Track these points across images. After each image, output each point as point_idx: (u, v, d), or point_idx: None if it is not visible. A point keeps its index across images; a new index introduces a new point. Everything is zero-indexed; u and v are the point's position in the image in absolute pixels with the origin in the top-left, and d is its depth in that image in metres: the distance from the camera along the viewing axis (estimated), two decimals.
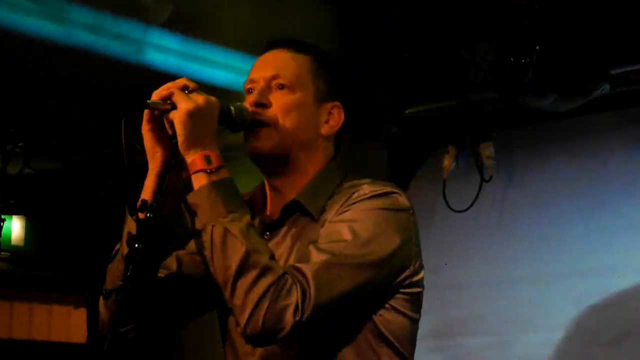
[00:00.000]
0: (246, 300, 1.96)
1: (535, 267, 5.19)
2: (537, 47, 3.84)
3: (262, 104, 2.22)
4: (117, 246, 2.18)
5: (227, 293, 1.99)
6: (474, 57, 4.64)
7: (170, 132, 2.08)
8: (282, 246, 2.20)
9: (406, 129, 4.90)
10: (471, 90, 4.63)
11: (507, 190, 5.36)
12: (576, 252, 5.05)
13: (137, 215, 1.98)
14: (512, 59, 4.06)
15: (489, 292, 5.34)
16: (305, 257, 2.06)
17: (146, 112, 2.11)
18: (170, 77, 2.16)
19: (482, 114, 4.91)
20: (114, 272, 2.16)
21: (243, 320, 1.97)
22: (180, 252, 2.32)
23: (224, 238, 1.99)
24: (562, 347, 5.02)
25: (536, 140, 5.32)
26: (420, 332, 2.26)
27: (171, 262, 2.28)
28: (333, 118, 2.28)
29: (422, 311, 2.27)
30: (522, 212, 5.33)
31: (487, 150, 5.04)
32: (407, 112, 4.49)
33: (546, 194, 5.26)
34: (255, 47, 2.45)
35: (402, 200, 2.18)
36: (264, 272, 1.97)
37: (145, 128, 2.13)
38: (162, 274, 2.22)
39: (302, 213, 2.22)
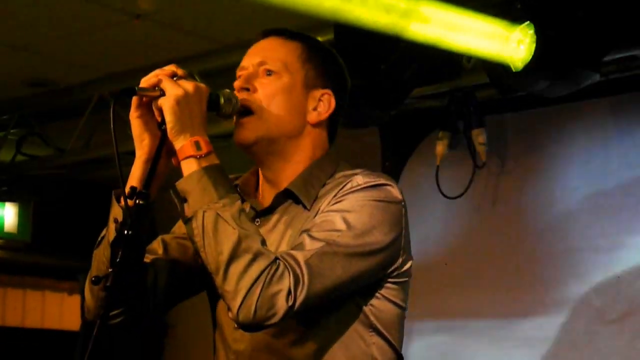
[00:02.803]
0: (238, 286, 1.96)
1: (534, 248, 5.21)
2: (530, 32, 3.83)
3: (247, 89, 2.22)
4: (103, 232, 2.18)
5: (218, 279, 1.99)
6: None
7: (159, 118, 2.08)
8: (273, 233, 2.20)
9: (399, 115, 4.89)
10: (463, 76, 4.62)
11: (500, 176, 5.37)
12: (576, 233, 5.08)
13: (126, 201, 1.97)
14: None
15: (491, 271, 5.36)
16: (297, 245, 2.06)
17: (134, 98, 2.11)
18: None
19: (475, 100, 4.90)
20: (100, 258, 2.16)
21: (235, 306, 1.97)
22: (165, 236, 2.32)
23: (215, 224, 1.99)
24: (566, 326, 5.04)
25: (529, 125, 5.33)
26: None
27: (156, 246, 2.27)
28: (322, 105, 2.27)
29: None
30: (516, 197, 5.34)
31: (480, 137, 5.04)
32: (399, 97, 4.47)
33: (539, 179, 5.27)
34: None
35: (395, 192, 2.18)
36: (256, 257, 1.97)
37: (133, 115, 2.13)
38: (147, 258, 2.21)
39: (295, 201, 2.21)
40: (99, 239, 2.19)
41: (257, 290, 1.95)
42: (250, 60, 2.26)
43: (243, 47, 2.32)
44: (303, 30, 2.34)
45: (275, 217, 2.23)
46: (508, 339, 5.24)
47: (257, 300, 1.95)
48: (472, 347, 5.37)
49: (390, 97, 4.50)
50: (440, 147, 5.19)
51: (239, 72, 2.27)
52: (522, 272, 5.23)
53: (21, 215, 7.50)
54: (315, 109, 2.26)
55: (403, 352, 2.25)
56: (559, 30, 3.88)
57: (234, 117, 2.21)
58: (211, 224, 1.99)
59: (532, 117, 5.30)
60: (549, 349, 5.09)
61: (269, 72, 2.23)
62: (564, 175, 5.18)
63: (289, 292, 1.97)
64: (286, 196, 2.22)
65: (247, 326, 2.02)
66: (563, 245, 5.11)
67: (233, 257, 1.97)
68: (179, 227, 2.32)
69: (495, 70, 4.02)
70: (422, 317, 5.19)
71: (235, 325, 2.12)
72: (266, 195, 2.27)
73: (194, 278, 2.27)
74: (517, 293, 5.25)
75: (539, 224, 5.23)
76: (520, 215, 5.31)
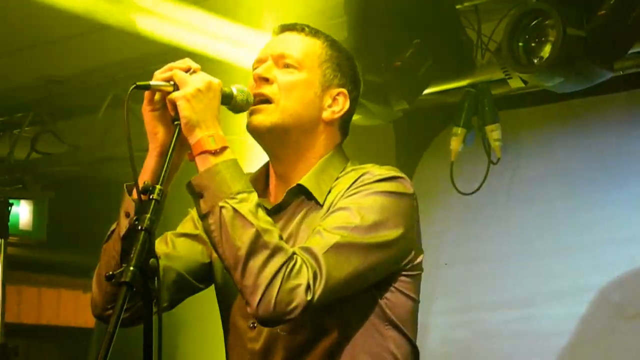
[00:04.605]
0: (258, 281, 1.96)
1: (549, 243, 5.19)
2: (547, 23, 3.82)
3: (266, 79, 2.22)
4: (114, 225, 2.17)
5: (237, 274, 1.99)
6: (480, 37, 4.62)
7: (172, 113, 2.07)
8: (287, 229, 2.20)
9: (413, 111, 4.89)
10: (477, 72, 4.61)
11: (515, 171, 5.36)
12: (594, 227, 5.06)
13: (139, 195, 1.96)
14: (518, 39, 4.04)
15: (509, 267, 5.35)
16: (312, 240, 2.06)
17: (147, 93, 2.10)
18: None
19: (489, 96, 4.88)
20: (110, 252, 2.16)
21: (255, 300, 1.97)
22: (171, 234, 2.32)
23: (232, 219, 1.98)
24: (586, 320, 5.02)
25: (544, 121, 5.31)
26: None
27: (163, 243, 2.27)
28: (337, 104, 2.28)
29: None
30: (531, 192, 5.32)
31: (494, 132, 5.02)
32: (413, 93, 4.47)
33: (555, 174, 5.25)
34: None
35: (407, 185, 2.19)
36: (274, 252, 1.97)
37: (146, 109, 2.12)
38: None
39: (307, 197, 2.22)
40: (109, 232, 2.19)
41: (277, 285, 1.95)
42: (269, 52, 2.27)
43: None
44: (316, 26, 2.35)
45: (287, 214, 2.23)
46: (525, 333, 5.23)
47: (277, 295, 1.95)
48: (490, 342, 5.37)
49: (404, 93, 4.50)
50: (455, 143, 5.16)
51: (256, 64, 2.28)
52: (538, 266, 5.22)
53: (36, 213, 7.50)
54: (330, 106, 2.27)
55: (421, 347, 2.25)
56: (577, 28, 3.87)
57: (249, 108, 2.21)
58: (228, 219, 1.99)
59: (547, 112, 5.29)
60: (567, 344, 5.08)
61: (287, 65, 2.24)
62: (580, 169, 5.16)
63: (308, 286, 1.97)
64: (298, 192, 2.22)
65: (267, 320, 2.02)
66: (580, 239, 5.09)
67: (251, 252, 1.97)
68: (185, 224, 2.33)
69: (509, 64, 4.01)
70: (439, 312, 5.19)
71: (251, 325, 2.13)
72: (277, 192, 2.28)
73: (200, 275, 2.28)
74: (533, 287, 5.24)
75: (554, 219, 5.21)
76: (535, 210, 5.29)
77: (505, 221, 5.42)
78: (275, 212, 2.23)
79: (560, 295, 5.13)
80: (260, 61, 2.27)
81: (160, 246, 2.25)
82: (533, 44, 4.05)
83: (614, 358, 4.92)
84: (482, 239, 5.48)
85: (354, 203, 2.11)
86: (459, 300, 5.29)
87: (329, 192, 2.20)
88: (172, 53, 4.12)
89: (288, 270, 1.96)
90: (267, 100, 2.21)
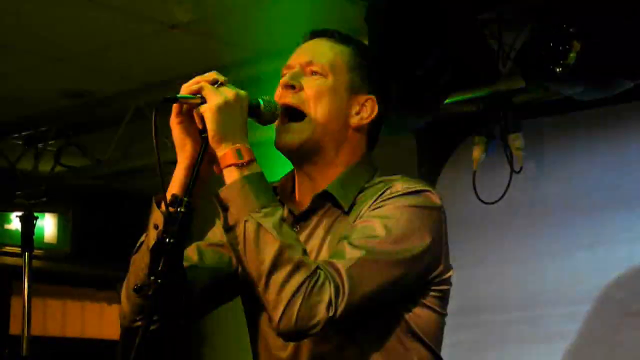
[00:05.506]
0: (280, 296, 1.96)
1: (573, 251, 5.20)
2: (571, 30, 3.82)
3: (292, 86, 2.22)
4: (142, 237, 2.17)
5: (260, 288, 1.99)
6: (502, 46, 4.62)
7: (200, 126, 2.08)
8: (313, 239, 2.20)
9: (435, 120, 4.89)
10: (499, 80, 4.61)
11: (537, 180, 5.35)
12: (614, 231, 5.07)
13: (168, 208, 1.98)
14: (540, 47, 4.04)
15: (515, 268, 5.35)
16: (337, 252, 2.05)
17: (175, 106, 2.10)
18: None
19: (511, 104, 4.88)
20: (138, 264, 2.16)
21: (277, 315, 1.97)
22: (201, 243, 2.32)
23: (257, 233, 1.98)
24: (588, 320, 5.01)
25: (566, 129, 5.30)
26: (448, 309, 2.27)
27: (192, 253, 2.27)
28: (365, 110, 2.27)
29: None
30: (554, 201, 5.31)
31: (517, 141, 5.02)
32: (435, 102, 4.48)
33: (577, 183, 5.24)
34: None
35: (434, 198, 2.17)
36: (297, 267, 1.96)
37: (174, 122, 2.12)
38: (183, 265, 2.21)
39: (333, 205, 2.21)
40: (138, 244, 2.19)
41: (299, 300, 1.95)
42: (297, 59, 2.27)
43: (277, 55, 2.33)
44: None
45: (314, 221, 2.23)
46: (531, 334, 5.24)
47: (299, 311, 1.95)
48: (497, 344, 5.38)
49: (426, 102, 4.50)
50: (477, 152, 5.16)
51: (284, 70, 2.28)
52: (559, 273, 5.22)
53: (60, 226, 7.55)
54: (358, 113, 2.27)
55: None
56: (599, 37, 3.87)
57: (277, 120, 2.21)
58: (253, 233, 1.98)
59: (569, 120, 5.28)
60: (571, 343, 5.08)
61: (315, 73, 2.24)
62: (602, 178, 5.14)
63: (330, 302, 1.96)
64: (324, 198, 2.22)
65: (288, 335, 2.02)
66: (596, 243, 5.10)
67: (274, 267, 1.96)
68: (214, 234, 2.34)
69: (531, 73, 4.02)
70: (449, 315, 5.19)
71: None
72: (304, 198, 2.27)
73: (228, 286, 2.28)
74: (537, 288, 5.25)
75: (577, 228, 5.20)
76: (558, 219, 5.28)
77: (526, 229, 5.41)
78: (301, 219, 2.23)
79: (563, 295, 5.15)
80: (288, 67, 2.28)
81: (189, 256, 2.25)
82: (555, 52, 4.05)
83: (621, 356, 4.90)
84: (503, 247, 5.48)
85: (380, 216, 2.10)
86: (464, 301, 5.29)
87: (355, 201, 2.19)
88: (196, 66, 4.14)
89: (310, 285, 1.96)
90: (295, 115, 2.21)
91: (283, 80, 2.24)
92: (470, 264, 5.32)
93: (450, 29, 4.37)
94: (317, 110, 2.21)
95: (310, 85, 2.23)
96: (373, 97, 2.28)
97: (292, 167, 2.32)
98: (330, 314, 1.96)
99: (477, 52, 4.51)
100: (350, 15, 4.54)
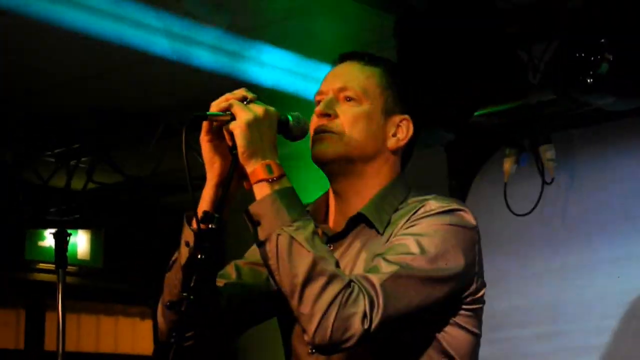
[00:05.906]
0: (314, 309, 1.95)
1: (605, 263, 5.17)
2: (602, 40, 3.81)
3: (328, 115, 2.22)
4: (175, 255, 2.18)
5: (294, 302, 1.98)
6: (532, 58, 4.61)
7: (230, 143, 2.08)
8: (346, 257, 2.19)
9: (465, 133, 4.88)
10: (529, 92, 4.60)
11: (569, 191, 5.33)
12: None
13: (199, 225, 1.99)
14: (570, 58, 4.03)
15: (538, 283, 5.33)
16: (371, 268, 2.04)
17: (205, 123, 2.11)
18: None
19: (541, 116, 4.87)
20: (172, 282, 2.17)
21: (311, 328, 1.96)
22: (239, 262, 2.32)
23: (289, 247, 1.98)
24: (614, 335, 4.98)
25: (596, 140, 5.28)
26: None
27: (230, 271, 2.28)
28: (401, 131, 2.27)
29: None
30: (586, 212, 5.29)
31: (548, 153, 5.00)
32: (465, 115, 4.47)
33: (609, 194, 5.22)
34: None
35: (469, 217, 2.16)
36: (331, 280, 1.96)
37: (204, 139, 2.13)
38: (220, 283, 2.22)
39: (367, 226, 2.21)
40: (171, 262, 2.20)
41: (333, 313, 1.94)
42: (329, 85, 2.27)
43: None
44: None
45: (347, 242, 2.22)
46: (556, 349, 5.20)
47: (333, 323, 1.94)
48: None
49: (456, 115, 4.50)
50: (508, 164, 5.16)
51: (317, 97, 2.27)
52: (587, 286, 5.19)
53: (93, 242, 7.61)
54: (394, 135, 2.26)
55: None
56: (630, 48, 3.86)
57: (311, 135, 2.21)
58: (285, 247, 1.98)
59: (599, 131, 5.26)
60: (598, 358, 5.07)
61: (349, 99, 2.23)
62: (634, 188, 5.12)
63: (365, 315, 1.95)
64: (359, 220, 2.21)
65: (323, 349, 2.01)
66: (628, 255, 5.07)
67: (308, 279, 1.96)
68: (252, 253, 2.33)
69: (561, 84, 4.01)
70: None
71: (310, 351, 2.12)
72: (337, 220, 2.27)
73: (266, 304, 2.28)
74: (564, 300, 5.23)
75: (609, 239, 5.18)
76: (591, 230, 5.25)
77: (558, 241, 5.38)
78: (335, 239, 2.23)
79: (587, 310, 5.11)
80: (321, 93, 2.27)
81: (227, 273, 2.26)
82: (585, 63, 4.04)
83: None
84: (535, 259, 5.46)
85: (414, 234, 2.09)
86: (487, 317, 5.29)
87: (389, 222, 2.18)
88: (226, 83, 4.17)
89: (344, 298, 1.95)
90: (330, 130, 2.20)
91: (318, 109, 2.24)
92: (497, 278, 5.31)
93: (479, 41, 4.37)
94: (354, 134, 2.20)
95: (345, 113, 2.22)
96: (407, 116, 2.27)
97: (322, 184, 2.32)
98: (365, 326, 1.95)
99: (506, 65, 4.50)
100: (378, 29, 4.55)
